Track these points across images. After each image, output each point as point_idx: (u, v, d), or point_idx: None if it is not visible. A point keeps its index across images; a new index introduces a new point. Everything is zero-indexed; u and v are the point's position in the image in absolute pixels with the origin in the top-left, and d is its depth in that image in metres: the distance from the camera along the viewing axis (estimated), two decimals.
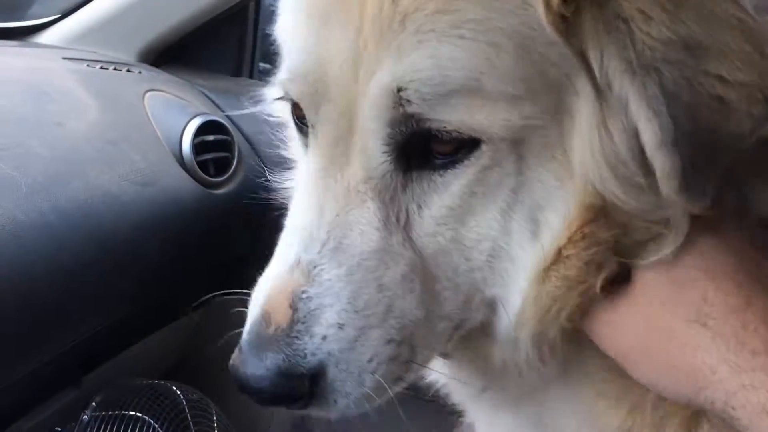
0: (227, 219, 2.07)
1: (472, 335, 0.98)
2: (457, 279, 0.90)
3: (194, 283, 2.08)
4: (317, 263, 0.86)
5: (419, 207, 0.87)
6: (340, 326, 0.85)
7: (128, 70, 2.15)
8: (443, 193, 0.86)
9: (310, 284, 0.85)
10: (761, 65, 0.75)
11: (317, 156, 0.89)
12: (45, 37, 2.31)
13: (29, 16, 2.38)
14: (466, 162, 0.84)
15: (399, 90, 0.79)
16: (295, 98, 0.90)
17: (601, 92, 0.78)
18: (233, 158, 2.10)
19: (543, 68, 0.79)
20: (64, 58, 2.08)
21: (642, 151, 0.77)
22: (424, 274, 0.88)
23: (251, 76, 2.45)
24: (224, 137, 2.09)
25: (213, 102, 2.24)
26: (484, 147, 0.82)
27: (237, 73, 2.41)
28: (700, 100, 0.74)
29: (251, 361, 0.86)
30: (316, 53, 0.83)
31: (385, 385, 0.88)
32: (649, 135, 0.75)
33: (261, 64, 2.57)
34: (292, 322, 0.85)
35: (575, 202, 0.83)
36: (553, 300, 0.88)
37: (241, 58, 2.42)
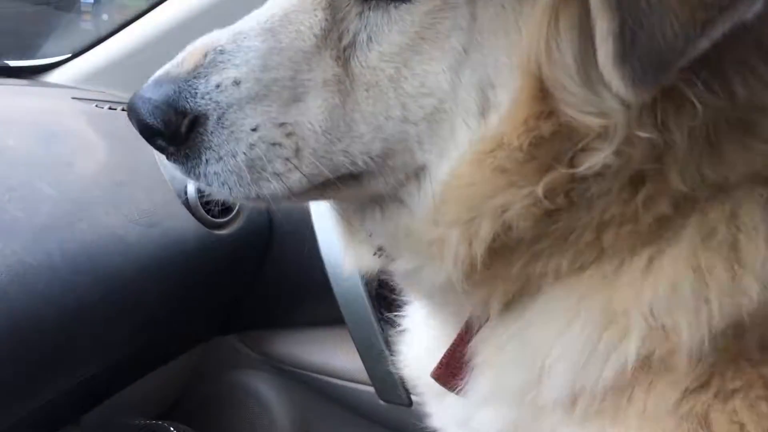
0: (228, 259, 2.08)
1: (389, 206, 0.98)
2: (384, 123, 0.91)
3: (193, 323, 2.10)
4: (246, 33, 0.92)
5: (369, 39, 0.90)
6: (236, 82, 0.89)
7: None
8: (393, 27, 0.88)
9: (230, 44, 0.91)
10: None
11: None
12: (55, 76, 2.35)
13: (41, 55, 2.42)
14: None
15: None
16: None
17: None
18: None
19: None
20: (74, 98, 2.11)
21: (591, 45, 0.77)
22: (346, 97, 0.90)
23: None
24: None
25: None
26: None
27: None
28: None
29: (148, 88, 0.92)
30: None
31: (259, 170, 0.90)
32: None
33: None
34: (197, 66, 0.91)
35: (524, 88, 0.83)
36: (488, 189, 0.87)
37: None
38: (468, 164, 0.87)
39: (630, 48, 0.73)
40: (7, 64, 2.30)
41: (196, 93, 0.89)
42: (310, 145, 0.90)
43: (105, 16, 6.74)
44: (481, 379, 1.01)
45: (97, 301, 1.59)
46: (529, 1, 0.82)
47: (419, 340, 1.25)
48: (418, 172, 0.93)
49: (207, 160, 0.90)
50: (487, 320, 1.00)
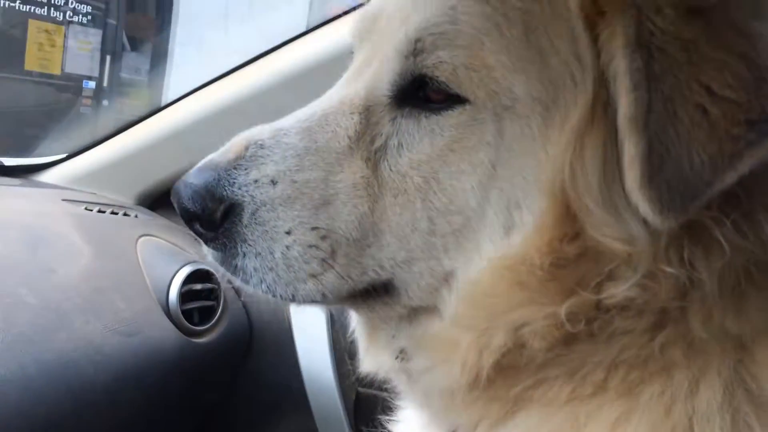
0: (206, 367, 2.07)
1: (419, 315, 0.99)
2: (410, 235, 0.94)
3: (167, 429, 2.06)
4: (286, 131, 0.97)
5: (399, 145, 0.94)
6: (273, 182, 0.94)
7: (125, 214, 2.23)
8: (423, 137, 0.92)
9: (270, 140, 0.96)
10: (752, 89, 0.76)
11: (347, 73, 1.04)
12: (48, 176, 2.39)
13: (36, 154, 2.47)
14: (450, 112, 0.90)
15: (416, 41, 0.91)
16: (352, 36, 1.08)
17: (597, 101, 0.84)
18: (218, 307, 2.13)
19: (546, 58, 0.87)
20: (64, 200, 2.15)
21: (616, 170, 0.82)
22: (375, 204, 0.94)
23: None
24: (211, 286, 2.13)
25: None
26: (468, 105, 0.89)
27: None
28: (682, 103, 0.77)
29: (192, 175, 0.96)
30: (379, 5, 1.02)
31: (296, 271, 0.94)
32: (624, 107, 0.79)
33: None
34: (239, 157, 0.95)
35: (550, 210, 0.86)
36: (507, 302, 0.89)
37: None
38: (489, 275, 0.90)
39: (658, 171, 0.77)
40: (1, 162, 2.35)
41: (234, 183, 0.94)
42: (342, 249, 0.94)
43: (105, 102, 6.91)
44: None
45: (68, 413, 1.58)
46: (555, 125, 0.87)
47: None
48: (447, 277, 0.95)
49: (245, 254, 0.94)
50: None
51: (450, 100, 0.90)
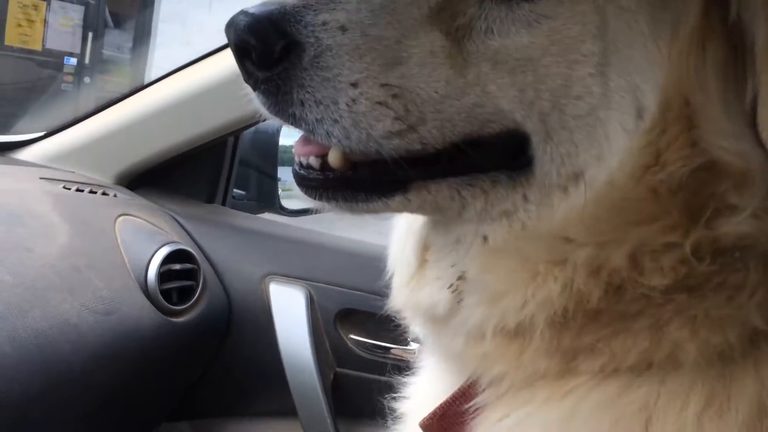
0: (184, 347, 2.08)
1: (503, 225, 0.94)
2: (534, 101, 0.88)
3: (144, 411, 2.07)
4: None
5: (489, 30, 0.90)
6: (343, 29, 0.87)
7: (104, 193, 2.21)
8: (521, 27, 0.88)
9: None
10: None
11: None
12: (27, 154, 2.37)
13: (14, 131, 2.45)
14: (546, 1, 0.87)
15: None
16: None
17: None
18: (197, 287, 2.13)
19: None
20: (42, 178, 2.13)
21: (738, 87, 0.83)
22: (464, 70, 0.89)
23: (224, 203, 2.52)
24: (191, 266, 2.13)
25: (184, 228, 2.29)
26: None
27: (210, 199, 2.48)
28: None
29: (255, 6, 0.88)
30: None
31: (367, 128, 0.87)
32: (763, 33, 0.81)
33: (236, 190, 2.65)
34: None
35: (671, 104, 0.85)
36: (640, 212, 0.85)
37: (216, 185, 2.49)
38: (628, 176, 0.87)
39: None
40: None
41: (301, 20, 0.86)
42: (427, 109, 0.88)
43: (87, 79, 6.84)
44: None
45: (44, 391, 1.57)
46: (666, 24, 0.87)
47: (421, 394, 1.21)
48: (577, 174, 0.90)
49: (302, 102, 0.87)
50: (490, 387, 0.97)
51: None
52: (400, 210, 1.01)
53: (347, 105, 0.86)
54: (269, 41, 0.86)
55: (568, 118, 0.88)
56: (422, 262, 1.07)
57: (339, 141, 0.88)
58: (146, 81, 2.32)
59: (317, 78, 0.86)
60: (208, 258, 2.26)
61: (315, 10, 0.87)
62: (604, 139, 0.88)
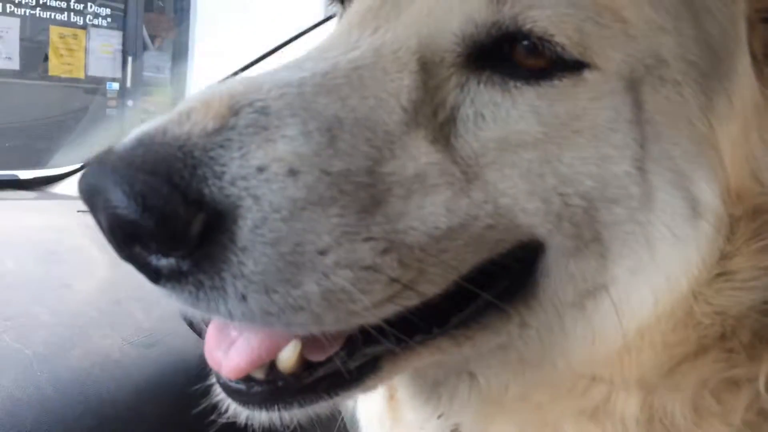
0: None
1: (504, 357, 0.73)
2: (555, 210, 0.67)
3: None
4: (300, 86, 0.61)
5: (479, 116, 0.68)
6: (293, 173, 0.58)
7: None
8: (525, 112, 0.67)
9: (276, 100, 0.60)
10: None
11: (354, 7, 0.71)
12: (64, 187, 2.37)
13: (58, 163, 2.46)
14: (558, 82, 0.67)
15: None
16: None
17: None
18: None
19: (701, 16, 0.68)
20: (79, 211, 2.12)
21: None
22: (469, 186, 0.66)
23: None
24: None
25: None
26: (587, 74, 0.67)
27: None
28: None
29: (125, 153, 0.56)
30: None
31: (350, 304, 0.61)
32: None
33: None
34: (224, 126, 0.57)
35: (735, 182, 0.67)
36: (695, 348, 0.67)
37: None
38: (683, 294, 0.67)
39: None
40: (16, 176, 2.33)
41: (224, 173, 0.57)
42: (429, 255, 0.65)
43: (130, 102, 6.95)
44: None
45: (90, 429, 1.55)
46: (718, 93, 0.68)
47: None
48: (600, 290, 0.71)
49: (244, 296, 0.59)
50: None
51: (556, 65, 0.67)
52: (373, 390, 0.77)
53: (318, 284, 0.60)
54: (177, 219, 0.55)
55: (601, 227, 0.69)
56: (392, 399, 0.87)
57: (304, 329, 0.63)
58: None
59: (265, 258, 0.58)
60: None
61: (241, 149, 0.58)
62: (645, 249, 0.69)
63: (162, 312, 1.90)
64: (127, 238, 0.59)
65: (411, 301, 0.65)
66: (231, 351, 0.71)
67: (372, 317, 0.64)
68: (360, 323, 0.65)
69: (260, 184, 0.58)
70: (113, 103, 6.71)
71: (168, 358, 1.81)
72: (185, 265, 0.58)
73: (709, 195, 0.67)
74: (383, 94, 0.65)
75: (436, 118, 0.67)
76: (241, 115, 0.59)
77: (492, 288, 0.70)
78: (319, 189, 0.59)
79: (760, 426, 0.67)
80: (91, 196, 0.58)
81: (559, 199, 0.68)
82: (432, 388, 0.80)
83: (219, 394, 0.75)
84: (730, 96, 0.68)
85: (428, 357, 0.72)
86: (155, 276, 0.61)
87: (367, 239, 0.61)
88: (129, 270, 1.95)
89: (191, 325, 1.90)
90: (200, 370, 1.88)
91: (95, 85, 6.69)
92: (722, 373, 0.67)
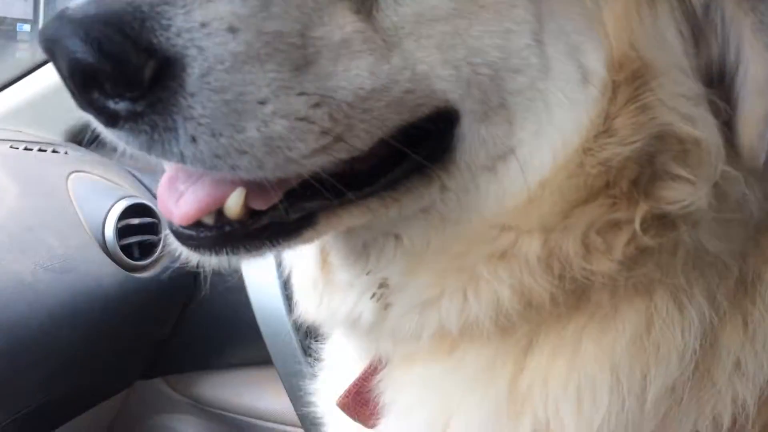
0: (151, 302, 2.04)
1: (420, 220, 0.82)
2: (470, 77, 0.75)
3: (114, 369, 2.04)
4: None
5: None
6: (232, 29, 0.65)
7: (54, 151, 2.14)
8: None
9: None
10: None
11: None
12: None
13: None
14: None
15: None
16: None
17: None
18: (159, 241, 2.08)
19: None
20: None
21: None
22: (390, 53, 0.73)
23: None
24: (150, 220, 2.07)
25: (141, 183, 2.22)
26: None
27: None
28: None
29: (82, 8, 0.62)
30: None
31: (287, 151, 0.68)
32: (761, 70, 0.73)
33: None
34: None
35: (618, 63, 0.75)
36: (591, 191, 0.76)
37: None
38: (575, 150, 0.77)
39: None
40: None
41: (170, 26, 0.63)
42: (355, 112, 0.72)
43: None
44: (389, 422, 0.94)
45: (2, 351, 1.54)
46: None
47: (335, 374, 1.15)
48: (509, 152, 0.79)
49: (194, 138, 0.66)
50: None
51: None
52: (309, 242, 0.85)
53: (258, 129, 0.67)
54: (130, 63, 0.61)
55: (506, 94, 0.77)
56: (325, 264, 0.94)
57: (249, 173, 0.70)
58: None
59: (211, 104, 0.65)
60: None
61: (184, 6, 0.64)
62: (544, 113, 0.77)
63: (77, 241, 1.87)
64: (86, 83, 0.63)
65: (341, 153, 0.73)
66: (180, 201, 0.76)
67: (308, 165, 0.71)
68: (298, 171, 0.72)
69: (203, 37, 0.64)
70: (24, 46, 6.40)
71: (83, 285, 1.80)
72: (140, 107, 0.64)
73: (596, 64, 0.76)
74: None
75: None
76: None
77: (417, 154, 0.78)
78: (256, 46, 0.66)
79: (638, 259, 0.77)
80: (51, 45, 0.63)
81: (468, 68, 0.76)
82: (361, 250, 0.88)
83: (172, 243, 0.79)
84: None
85: (359, 216, 0.80)
86: (113, 119, 0.66)
87: (301, 93, 0.68)
88: (40, 199, 1.90)
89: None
90: (117, 298, 1.88)
91: (5, 27, 6.36)
92: (606, 215, 0.77)
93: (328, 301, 0.93)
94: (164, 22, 0.63)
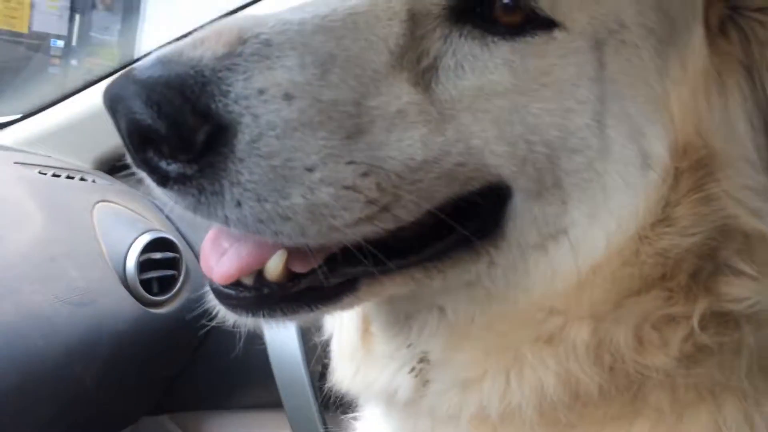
0: (165, 339, 2.01)
1: (470, 296, 0.81)
2: (518, 142, 0.75)
3: (124, 403, 2.00)
4: (300, 26, 0.70)
5: (459, 67, 0.75)
6: (288, 97, 0.67)
7: (82, 179, 2.13)
8: (499, 65, 0.75)
9: (278, 35, 0.69)
10: None
11: None
12: (2, 137, 2.28)
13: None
14: (531, 39, 0.74)
15: None
16: None
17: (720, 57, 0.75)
18: (179, 276, 2.05)
19: None
20: (16, 163, 2.05)
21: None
22: (444, 126, 0.74)
23: None
24: (172, 255, 2.05)
25: (166, 215, 2.21)
26: (557, 33, 0.74)
27: None
28: None
29: (150, 67, 0.65)
30: None
31: (332, 218, 0.69)
32: None
33: None
34: (232, 53, 0.66)
35: (688, 140, 0.74)
36: (646, 280, 0.74)
37: None
38: (631, 236, 0.75)
39: None
40: None
41: (229, 92, 0.65)
42: (404, 183, 0.72)
43: (74, 62, 6.73)
44: None
45: (15, 386, 1.51)
46: (673, 59, 0.76)
47: None
48: (561, 232, 0.78)
49: (240, 203, 0.68)
50: None
51: (530, 23, 0.75)
52: (349, 309, 0.86)
53: (303, 197, 0.68)
54: (186, 127, 0.64)
55: (562, 174, 0.76)
56: (365, 333, 0.93)
57: (291, 239, 0.70)
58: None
59: (259, 169, 0.67)
60: (191, 247, 2.18)
61: (245, 72, 0.66)
62: (601, 195, 0.76)
63: (98, 273, 1.85)
64: (142, 142, 0.66)
65: (387, 224, 0.73)
66: (222, 259, 0.77)
67: (351, 234, 0.71)
68: (340, 239, 0.72)
69: (259, 104, 0.66)
70: (56, 61, 6.48)
71: (100, 320, 1.77)
72: (190, 170, 0.66)
73: (659, 149, 0.75)
74: (374, 38, 0.73)
75: (419, 64, 0.75)
76: (248, 45, 0.68)
77: (465, 227, 0.78)
78: (310, 113, 0.68)
79: (695, 356, 0.75)
80: (113, 103, 0.66)
81: (524, 145, 0.76)
82: (404, 321, 0.87)
83: (211, 300, 0.81)
84: (683, 62, 0.76)
85: (402, 284, 0.80)
86: (164, 179, 0.68)
87: (350, 162, 0.69)
88: (64, 228, 1.89)
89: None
90: (132, 333, 1.86)
91: (38, 41, 6.45)
92: (662, 309, 0.74)
93: (366, 372, 0.91)
94: (224, 87, 0.65)
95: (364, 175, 0.70)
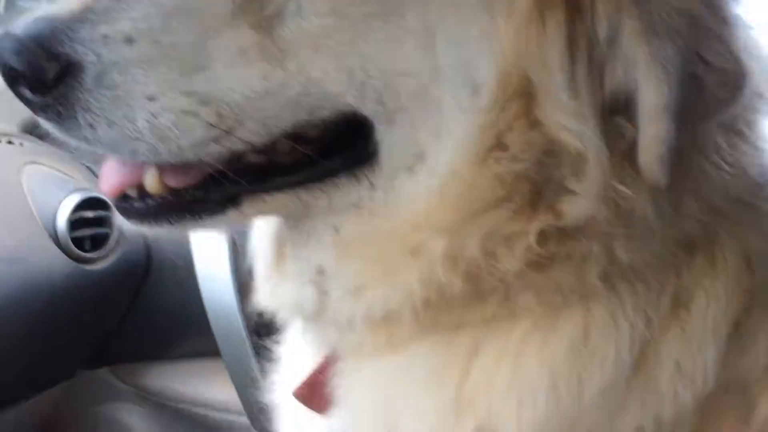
0: (100, 294, 2.07)
1: (350, 214, 0.92)
2: (360, 74, 0.83)
3: (60, 359, 2.07)
4: None
5: (300, 7, 0.83)
6: (129, 40, 0.80)
7: (9, 142, 2.15)
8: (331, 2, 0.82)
9: None
10: (739, 60, 0.79)
11: None
12: None
13: None
14: None
15: None
16: None
17: None
18: (111, 233, 2.11)
19: None
20: None
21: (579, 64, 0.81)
22: (285, 63, 0.83)
23: None
24: (104, 213, 2.10)
25: (97, 176, 2.25)
26: None
27: None
28: (683, 75, 0.78)
29: (20, 25, 0.79)
30: None
31: (177, 139, 0.80)
32: (653, 97, 0.78)
33: None
34: (86, 10, 0.80)
35: (508, 77, 0.82)
36: (488, 199, 0.84)
37: None
38: (469, 160, 0.84)
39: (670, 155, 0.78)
40: None
41: (75, 38, 0.79)
42: (245, 110, 0.82)
43: (2, 31, 6.54)
44: (340, 416, 1.00)
45: None
46: None
47: (291, 365, 1.20)
48: (419, 158, 0.87)
49: (92, 125, 0.80)
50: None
51: None
52: (238, 222, 0.97)
53: (147, 121, 0.80)
54: (40, 67, 0.79)
55: (402, 97, 0.85)
56: (280, 255, 1.03)
57: (148, 157, 0.82)
58: None
59: (105, 99, 0.79)
60: None
61: (93, 23, 0.79)
62: (440, 117, 0.85)
63: (28, 232, 1.90)
64: (13, 80, 0.81)
65: (235, 145, 0.84)
66: (105, 175, 0.90)
67: (203, 154, 0.83)
68: (194, 157, 0.83)
69: (101, 46, 0.79)
70: None
71: (32, 276, 1.83)
72: (49, 100, 0.81)
73: (486, 75, 0.83)
74: None
75: (262, 12, 0.83)
76: (102, 1, 0.81)
77: (343, 155, 0.89)
78: (150, 53, 0.80)
79: (544, 264, 0.85)
80: None
81: (361, 73, 0.84)
82: (306, 240, 0.97)
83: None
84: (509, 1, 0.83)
85: (288, 203, 0.91)
86: (34, 108, 0.82)
87: (188, 93, 0.81)
88: None
89: None
90: (65, 290, 1.92)
91: None
92: (503, 228, 0.84)
93: (279, 290, 1.01)
94: (71, 34, 0.79)
95: (203, 103, 0.81)
